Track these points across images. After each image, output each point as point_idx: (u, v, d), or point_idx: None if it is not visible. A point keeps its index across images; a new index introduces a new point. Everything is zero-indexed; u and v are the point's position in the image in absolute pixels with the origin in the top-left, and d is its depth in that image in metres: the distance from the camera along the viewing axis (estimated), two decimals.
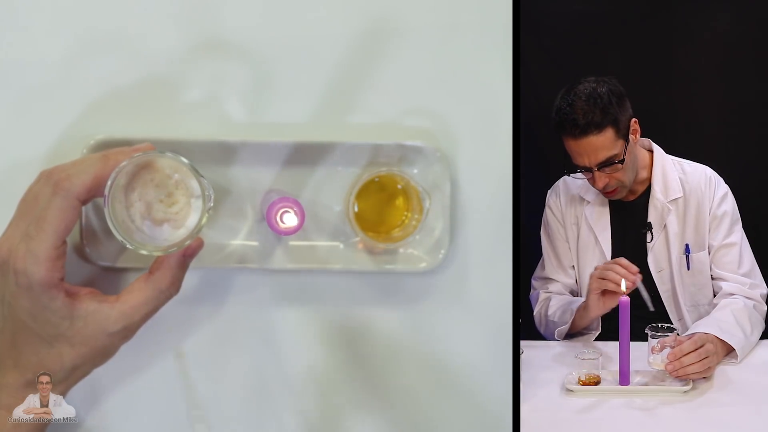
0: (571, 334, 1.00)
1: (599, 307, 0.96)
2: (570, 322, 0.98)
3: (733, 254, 1.04)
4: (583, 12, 1.09)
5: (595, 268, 0.96)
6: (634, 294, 0.92)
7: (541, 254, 1.08)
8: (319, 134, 0.83)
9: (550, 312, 1.00)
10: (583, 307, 0.97)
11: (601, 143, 0.97)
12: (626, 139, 0.99)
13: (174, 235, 0.72)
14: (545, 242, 1.07)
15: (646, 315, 1.00)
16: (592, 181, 1.00)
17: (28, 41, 0.82)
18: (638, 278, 0.93)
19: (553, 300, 0.99)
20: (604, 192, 1.02)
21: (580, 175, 1.01)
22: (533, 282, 1.05)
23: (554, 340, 1.01)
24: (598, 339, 0.97)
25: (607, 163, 0.98)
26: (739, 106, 1.13)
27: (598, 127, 0.97)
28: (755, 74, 1.12)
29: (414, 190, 0.81)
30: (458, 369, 0.86)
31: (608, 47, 1.11)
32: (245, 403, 0.85)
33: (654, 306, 1.04)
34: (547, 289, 1.04)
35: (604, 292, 0.95)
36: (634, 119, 1.00)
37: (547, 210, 1.07)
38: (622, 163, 0.98)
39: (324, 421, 0.86)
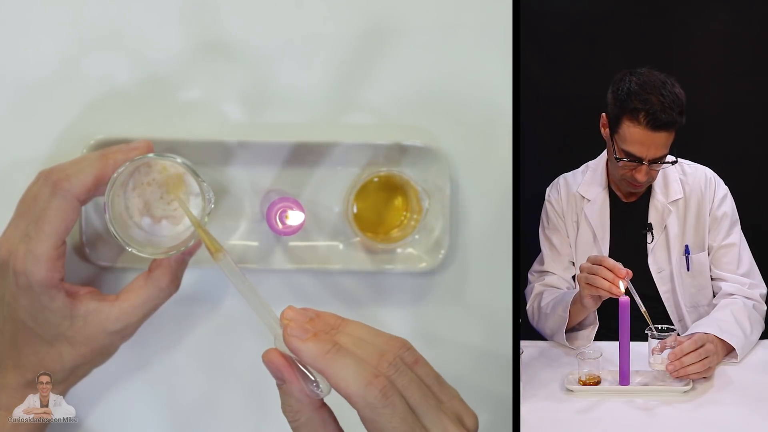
0: (568, 330, 0.99)
1: (594, 305, 0.95)
2: (567, 317, 0.97)
3: (732, 255, 1.04)
4: (583, 12, 1.09)
5: (581, 269, 0.94)
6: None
7: (540, 252, 1.08)
8: (319, 134, 0.83)
9: (543, 303, 0.98)
10: (578, 300, 0.96)
11: (665, 141, 0.99)
12: None
13: (173, 231, 0.72)
14: (543, 236, 1.07)
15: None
16: (634, 172, 1.00)
17: (28, 41, 0.82)
18: (628, 279, 0.91)
19: (546, 293, 0.98)
20: (634, 185, 1.02)
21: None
22: (529, 276, 1.04)
23: (547, 337, 0.99)
24: (597, 339, 0.96)
25: (660, 161, 0.99)
26: (739, 106, 1.13)
27: (672, 127, 0.98)
28: (755, 74, 1.11)
29: (413, 190, 0.81)
30: (458, 369, 0.86)
31: (608, 47, 1.11)
32: (245, 403, 0.85)
33: (653, 306, 1.04)
34: (543, 281, 1.04)
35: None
36: None
37: (547, 205, 1.07)
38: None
39: None
